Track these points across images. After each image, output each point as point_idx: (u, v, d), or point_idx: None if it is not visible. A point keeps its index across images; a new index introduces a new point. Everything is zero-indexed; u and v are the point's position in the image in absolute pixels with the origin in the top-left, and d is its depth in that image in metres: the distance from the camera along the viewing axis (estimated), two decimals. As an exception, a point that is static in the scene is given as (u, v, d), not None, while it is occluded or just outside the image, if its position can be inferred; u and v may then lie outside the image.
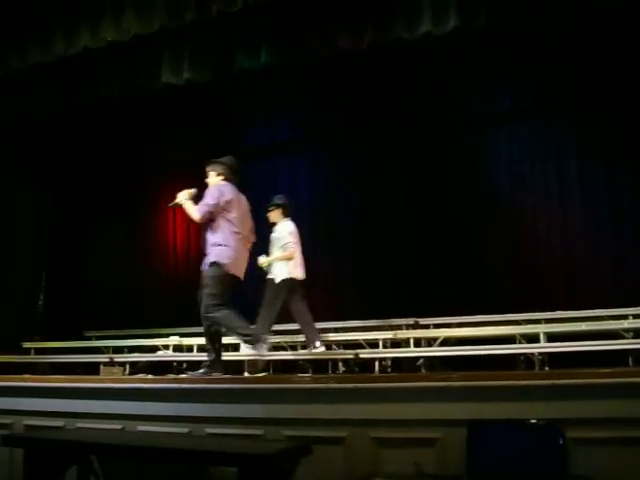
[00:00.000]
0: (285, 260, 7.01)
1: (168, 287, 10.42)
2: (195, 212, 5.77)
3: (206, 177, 6.08)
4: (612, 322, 6.87)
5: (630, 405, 3.72)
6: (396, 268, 8.94)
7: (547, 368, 6.09)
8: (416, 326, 7.69)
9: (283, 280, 6.93)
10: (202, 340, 7.94)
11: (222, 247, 5.70)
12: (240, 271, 5.83)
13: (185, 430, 4.74)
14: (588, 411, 3.78)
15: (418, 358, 6.77)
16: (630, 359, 6.36)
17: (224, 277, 5.68)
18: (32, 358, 8.71)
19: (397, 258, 8.99)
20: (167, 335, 8.69)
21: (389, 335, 7.21)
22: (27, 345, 9.14)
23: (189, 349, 8.22)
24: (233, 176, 6.06)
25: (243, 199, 6.03)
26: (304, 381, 4.72)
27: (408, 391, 4.13)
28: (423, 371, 6.61)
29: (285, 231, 7.16)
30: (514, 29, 7.47)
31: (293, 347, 7.68)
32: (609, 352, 6.07)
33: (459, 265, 8.52)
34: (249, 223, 6.07)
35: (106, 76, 7.62)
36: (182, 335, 8.55)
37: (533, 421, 3.85)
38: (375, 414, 4.14)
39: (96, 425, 5.04)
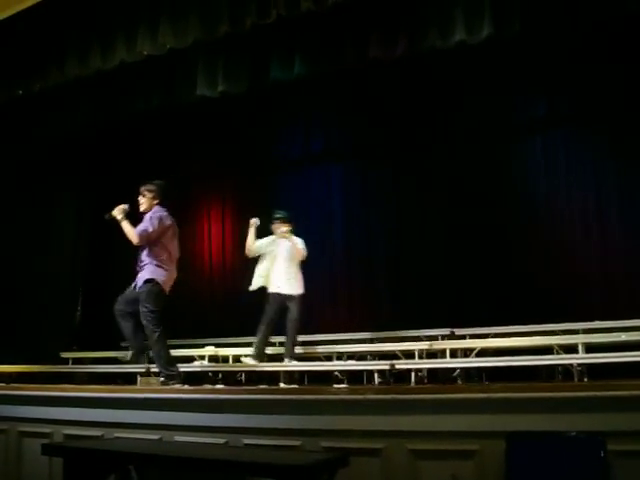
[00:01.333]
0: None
1: (203, 298, 10.49)
2: (134, 235, 6.20)
3: (139, 196, 6.46)
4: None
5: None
6: (431, 278, 8.87)
7: (586, 379, 5.98)
8: (452, 337, 7.63)
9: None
10: (238, 351, 8.09)
11: (157, 267, 6.20)
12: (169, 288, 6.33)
13: (222, 441, 4.77)
14: (630, 423, 3.72)
15: (454, 369, 6.71)
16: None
17: (161, 294, 6.17)
18: (70, 368, 8.81)
19: (432, 268, 8.92)
20: (203, 345, 8.72)
21: (425, 346, 7.16)
22: (65, 355, 9.27)
23: (225, 360, 8.24)
24: (165, 199, 6.48)
25: (174, 222, 6.48)
26: (341, 392, 4.71)
27: (445, 403, 4.10)
28: (460, 382, 6.55)
29: (302, 244, 7.42)
30: (548, 36, 7.40)
31: (328, 358, 7.66)
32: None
33: (495, 275, 8.43)
34: (177, 243, 6.53)
35: (142, 90, 7.75)
36: (217, 345, 8.58)
37: (573, 433, 3.79)
38: (412, 426, 4.12)
39: (134, 435, 5.10)
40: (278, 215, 7.60)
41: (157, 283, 6.13)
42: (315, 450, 4.31)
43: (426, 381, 6.68)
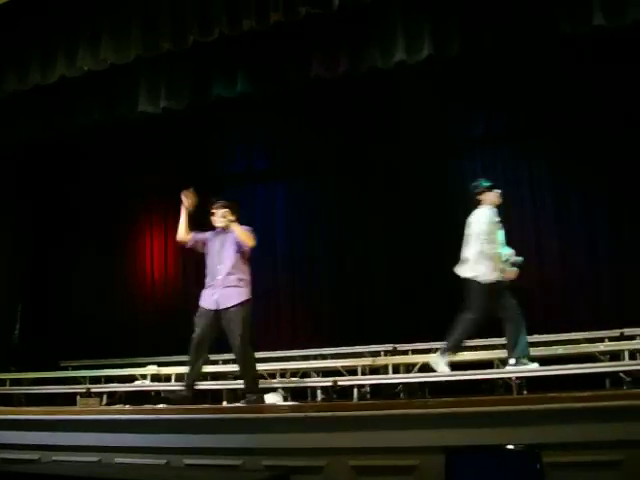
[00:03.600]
0: None
1: (145, 317, 10.35)
2: (250, 236, 5.89)
3: (215, 214, 6.06)
4: (588, 345, 6.94)
5: (606, 428, 3.75)
6: (374, 294, 8.95)
7: (525, 392, 6.10)
8: (395, 352, 7.70)
9: None
10: (180, 369, 8.00)
11: (248, 286, 5.87)
12: None
13: (163, 461, 4.70)
14: (564, 435, 3.80)
15: (397, 384, 6.76)
16: (607, 382, 6.44)
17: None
18: (7, 389, 8.58)
19: (375, 284, 9.01)
20: (144, 364, 8.60)
21: (367, 362, 7.20)
22: (2, 376, 9.01)
23: (167, 379, 8.14)
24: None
25: None
26: (283, 410, 4.70)
27: (386, 419, 4.14)
28: (402, 397, 6.60)
29: None
30: (487, 56, 7.59)
31: (272, 375, 7.63)
32: (586, 375, 6.12)
33: (437, 290, 8.51)
34: None
35: (83, 105, 7.65)
36: (160, 364, 8.47)
37: (510, 447, 3.86)
38: (353, 442, 4.14)
39: (72, 458, 4.98)
40: None
41: (249, 305, 5.86)
42: (256, 469, 4.29)
43: (369, 397, 6.72)
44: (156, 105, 7.23)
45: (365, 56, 6.61)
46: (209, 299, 5.85)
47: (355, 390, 6.57)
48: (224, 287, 5.81)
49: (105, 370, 8.75)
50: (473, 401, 4.18)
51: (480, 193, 6.26)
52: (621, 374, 6.21)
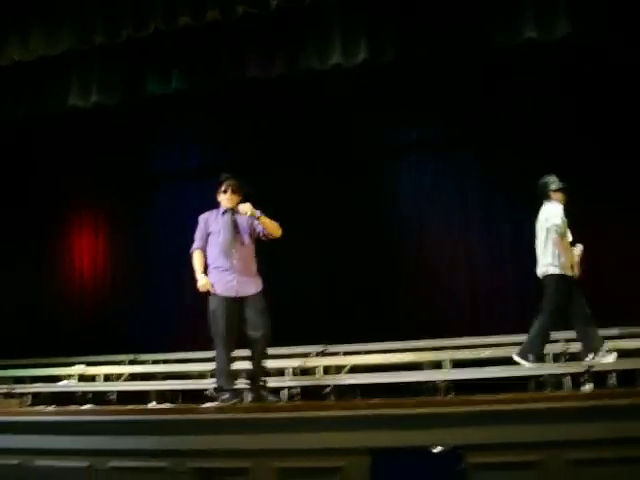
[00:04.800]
0: None
1: (74, 315, 10.11)
2: (277, 227, 5.68)
3: (240, 198, 5.71)
4: (513, 349, 7.08)
5: (526, 430, 3.84)
6: (305, 295, 8.93)
7: (452, 394, 6.21)
8: (325, 354, 7.72)
9: None
10: (107, 369, 7.86)
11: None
12: None
13: (86, 464, 4.59)
14: (487, 437, 3.87)
15: (327, 386, 6.78)
16: (531, 385, 6.61)
17: None
18: None
19: (306, 285, 8.99)
20: (72, 364, 8.40)
21: (297, 363, 7.20)
22: None
23: (93, 379, 7.97)
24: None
25: None
26: (209, 412, 4.66)
27: (312, 420, 4.14)
28: (332, 399, 6.62)
29: None
30: (422, 63, 7.70)
31: (202, 376, 7.55)
32: (512, 378, 6.26)
33: (367, 293, 8.59)
34: None
35: (11, 98, 7.43)
36: (88, 364, 8.29)
37: (435, 448, 3.92)
38: (279, 444, 4.12)
39: (-10, 461, 4.82)
40: None
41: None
42: (181, 471, 4.24)
43: (299, 398, 6.71)
44: (87, 100, 7.10)
45: (302, 58, 6.64)
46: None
47: (284, 392, 6.55)
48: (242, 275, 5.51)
49: (30, 370, 8.50)
50: (398, 403, 4.23)
51: (552, 190, 6.19)
52: (544, 377, 6.38)
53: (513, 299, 8.47)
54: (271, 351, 7.71)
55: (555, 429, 3.78)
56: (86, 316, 10.01)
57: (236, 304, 5.45)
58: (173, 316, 9.47)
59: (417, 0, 6.47)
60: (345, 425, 4.03)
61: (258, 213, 5.57)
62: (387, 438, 3.96)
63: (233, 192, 5.66)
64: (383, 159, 9.44)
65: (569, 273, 6.00)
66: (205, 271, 5.56)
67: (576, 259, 6.06)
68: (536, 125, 8.35)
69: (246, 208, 5.53)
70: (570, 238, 6.16)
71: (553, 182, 6.21)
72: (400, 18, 6.45)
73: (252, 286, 5.57)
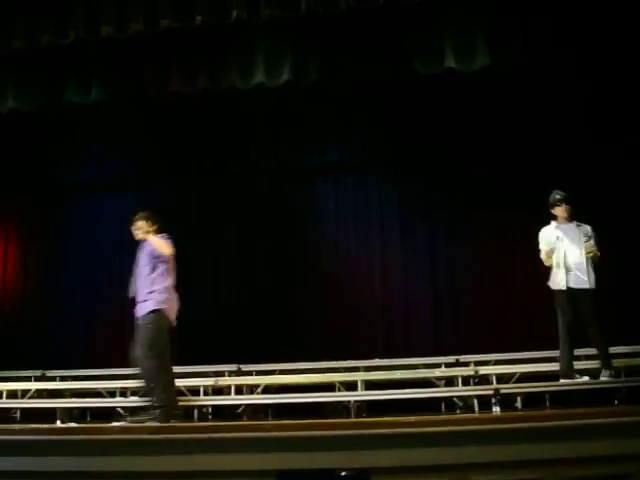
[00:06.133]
0: None
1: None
2: (165, 245, 5.80)
3: (135, 226, 5.89)
4: (425, 370, 7.22)
5: (432, 452, 3.89)
6: (220, 314, 8.84)
7: (364, 415, 6.25)
8: (239, 373, 7.66)
9: None
10: (12, 385, 7.55)
11: (162, 295, 5.78)
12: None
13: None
14: (393, 460, 3.90)
15: (239, 405, 6.72)
16: (442, 406, 6.74)
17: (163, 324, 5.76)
18: None
19: (222, 303, 8.91)
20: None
21: (211, 382, 7.12)
22: None
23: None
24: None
25: None
26: (114, 432, 4.54)
27: (220, 442, 4.08)
28: (245, 418, 6.57)
29: None
30: (344, 87, 7.82)
31: (111, 394, 7.37)
32: (424, 399, 6.37)
33: (283, 313, 8.58)
34: None
35: None
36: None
37: (342, 472, 3.92)
38: (183, 466, 4.03)
39: None
40: None
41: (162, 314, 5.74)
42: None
43: (210, 418, 6.64)
44: (3, 105, 6.91)
45: (225, 75, 6.65)
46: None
47: (196, 411, 6.46)
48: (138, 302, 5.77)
49: None
50: (306, 424, 4.22)
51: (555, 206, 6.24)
52: (455, 399, 6.52)
53: (425, 322, 8.61)
54: (184, 369, 7.68)
55: (459, 451, 3.84)
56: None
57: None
58: (84, 331, 9.21)
59: (342, 25, 6.60)
60: (253, 447, 3.99)
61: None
62: (295, 460, 3.94)
63: (135, 226, 5.93)
64: (303, 178, 9.46)
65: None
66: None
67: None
68: (454, 145, 8.62)
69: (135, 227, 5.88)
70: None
71: (551, 199, 6.32)
72: (324, 42, 6.56)
73: (142, 310, 5.77)
